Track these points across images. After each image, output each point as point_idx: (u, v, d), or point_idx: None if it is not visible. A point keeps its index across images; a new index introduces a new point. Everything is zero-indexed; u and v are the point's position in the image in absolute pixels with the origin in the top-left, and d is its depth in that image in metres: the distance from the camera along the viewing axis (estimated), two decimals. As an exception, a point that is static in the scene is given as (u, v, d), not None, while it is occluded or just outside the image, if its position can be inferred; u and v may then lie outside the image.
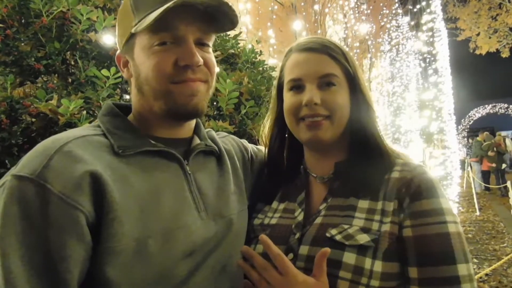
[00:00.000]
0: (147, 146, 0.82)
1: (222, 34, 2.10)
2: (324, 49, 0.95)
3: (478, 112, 19.23)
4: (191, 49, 0.82)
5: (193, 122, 0.97)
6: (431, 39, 9.38)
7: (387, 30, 9.14)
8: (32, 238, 0.65)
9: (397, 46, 9.78)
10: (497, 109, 18.89)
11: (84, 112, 1.32)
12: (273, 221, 1.00)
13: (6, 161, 1.21)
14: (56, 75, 1.50)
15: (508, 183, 7.66)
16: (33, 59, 1.43)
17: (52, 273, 0.65)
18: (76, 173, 0.69)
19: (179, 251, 0.79)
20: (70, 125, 1.28)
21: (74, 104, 1.25)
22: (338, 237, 0.85)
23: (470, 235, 6.50)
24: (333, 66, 0.94)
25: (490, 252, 5.57)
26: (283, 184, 1.07)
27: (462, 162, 12.39)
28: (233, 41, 2.13)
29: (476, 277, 4.26)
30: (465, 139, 18.83)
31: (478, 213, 8.26)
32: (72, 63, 1.55)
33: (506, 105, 18.55)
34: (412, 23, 10.20)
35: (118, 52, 0.92)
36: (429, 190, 0.86)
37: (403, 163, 0.93)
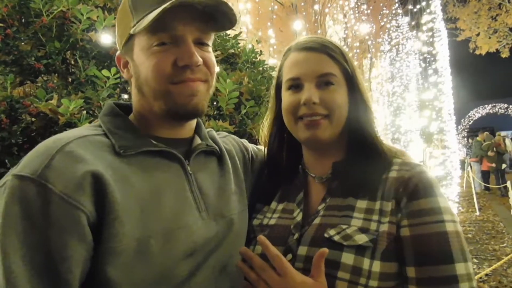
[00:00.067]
0: (149, 146, 0.82)
1: (222, 34, 2.10)
2: (322, 48, 0.95)
3: (478, 112, 19.23)
4: (190, 49, 0.82)
5: (194, 122, 0.97)
6: (431, 39, 9.38)
7: (387, 30, 9.14)
8: (33, 238, 0.65)
9: (397, 46, 9.79)
10: (497, 109, 18.90)
11: (84, 112, 1.32)
12: (272, 221, 0.99)
13: (6, 160, 1.21)
14: (56, 74, 1.50)
15: (508, 183, 7.67)
16: (33, 58, 1.43)
17: (53, 273, 0.65)
18: (77, 173, 0.69)
19: (180, 251, 0.79)
20: (70, 125, 1.28)
21: (74, 104, 1.25)
22: (336, 238, 0.85)
23: (470, 235, 6.51)
24: (332, 66, 0.94)
25: (490, 252, 5.57)
26: (282, 184, 1.06)
27: (462, 162, 12.39)
28: (233, 41, 2.13)
29: (476, 277, 4.27)
30: (465, 139, 18.83)
31: (478, 213, 8.26)
32: (72, 62, 1.55)
33: (506, 105, 18.55)
34: (412, 23, 10.21)
35: (118, 52, 0.92)
36: (426, 189, 0.85)
37: (401, 163, 0.93)
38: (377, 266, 0.81)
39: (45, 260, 0.65)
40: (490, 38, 16.20)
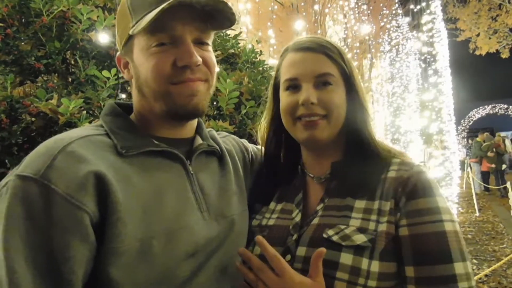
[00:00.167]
0: (151, 146, 0.82)
1: (222, 34, 2.10)
2: (320, 48, 0.95)
3: (478, 113, 19.22)
4: (189, 49, 0.81)
5: (194, 122, 0.97)
6: (431, 40, 9.38)
7: (387, 31, 9.14)
8: (36, 238, 0.65)
9: (397, 47, 9.79)
10: (496, 109, 18.89)
11: (84, 112, 1.32)
12: (271, 222, 1.00)
13: (6, 160, 1.21)
14: (56, 74, 1.51)
15: (508, 184, 7.67)
16: (33, 58, 1.43)
17: (56, 274, 0.65)
18: (80, 173, 0.69)
19: (182, 251, 0.79)
20: (70, 124, 1.28)
21: (74, 104, 1.25)
22: (335, 238, 0.85)
23: (469, 236, 6.51)
24: (330, 66, 0.94)
25: (489, 253, 5.57)
26: (281, 185, 1.07)
27: (462, 163, 12.39)
28: (233, 41, 2.13)
29: (475, 278, 4.27)
30: (465, 139, 18.82)
31: (477, 214, 8.25)
32: (72, 62, 1.55)
33: (506, 106, 18.55)
34: (412, 23, 10.21)
35: (118, 53, 0.92)
36: (425, 189, 0.85)
37: (400, 163, 0.93)
38: (375, 266, 0.81)
39: (48, 260, 0.65)
40: (490, 38, 16.20)
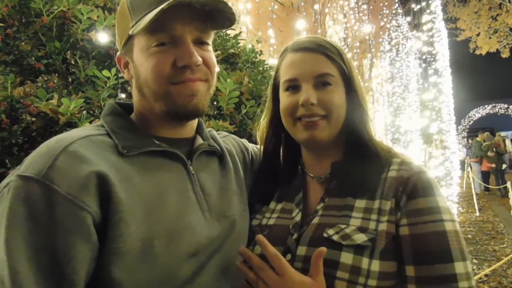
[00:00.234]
0: (152, 146, 0.82)
1: (222, 34, 2.10)
2: (319, 48, 0.95)
3: (478, 113, 19.19)
4: (189, 49, 0.81)
5: (195, 122, 0.97)
6: (431, 39, 9.37)
7: (387, 30, 9.14)
8: (39, 239, 0.65)
9: (397, 46, 9.78)
10: (497, 109, 18.86)
11: (84, 112, 1.33)
12: (271, 221, 1.00)
13: (6, 160, 1.21)
14: (57, 74, 1.51)
15: (508, 184, 7.66)
16: (33, 58, 1.43)
17: (59, 274, 0.65)
18: (82, 174, 0.69)
19: (184, 251, 0.79)
20: (70, 124, 1.28)
21: (75, 104, 1.25)
22: (335, 237, 0.85)
23: (469, 236, 6.50)
24: (329, 66, 0.94)
25: (489, 252, 5.57)
26: (280, 184, 1.07)
27: (462, 163, 12.38)
28: (233, 40, 2.13)
29: (475, 277, 4.27)
30: (465, 139, 18.81)
31: (478, 213, 8.25)
32: (73, 62, 1.55)
33: (506, 106, 18.51)
34: (412, 23, 10.20)
35: (118, 53, 0.92)
36: (425, 189, 0.86)
37: (400, 162, 0.93)
38: (376, 265, 0.81)
39: (50, 260, 0.65)
40: (490, 38, 16.19)
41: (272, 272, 0.80)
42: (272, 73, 1.07)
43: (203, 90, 0.86)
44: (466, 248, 0.84)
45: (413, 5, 9.39)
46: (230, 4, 0.82)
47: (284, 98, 0.98)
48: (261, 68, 2.18)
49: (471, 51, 17.23)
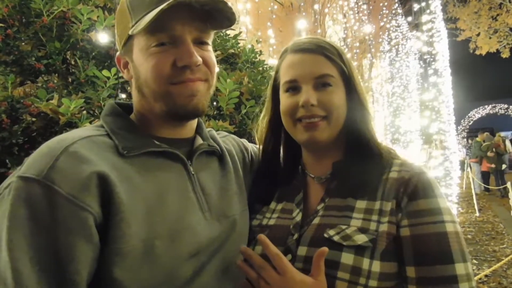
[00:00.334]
0: (152, 146, 0.82)
1: (222, 34, 2.10)
2: (319, 49, 0.95)
3: (478, 113, 19.20)
4: (189, 49, 0.81)
5: (194, 122, 0.97)
6: (431, 39, 9.38)
7: (386, 30, 9.14)
8: (41, 239, 0.65)
9: (396, 47, 9.78)
10: (497, 109, 18.86)
11: (85, 112, 1.33)
12: (271, 221, 1.00)
13: (7, 160, 1.21)
14: (57, 74, 1.51)
15: (508, 184, 7.66)
16: (33, 58, 1.43)
17: (61, 274, 0.65)
18: (83, 174, 0.69)
19: (185, 251, 0.79)
20: (70, 124, 1.28)
21: (75, 104, 1.25)
22: (336, 238, 0.85)
23: (469, 236, 6.50)
24: (329, 67, 0.94)
25: (489, 253, 5.57)
26: (280, 184, 1.07)
27: (462, 163, 12.38)
28: (233, 41, 2.13)
29: (475, 278, 4.26)
30: (465, 139, 18.81)
31: (477, 214, 8.25)
32: (73, 62, 1.55)
33: (506, 106, 18.52)
34: (412, 23, 10.21)
35: (118, 53, 0.92)
36: (426, 190, 0.86)
37: (401, 164, 0.93)
38: (376, 266, 0.81)
39: (53, 261, 0.65)
40: (490, 38, 16.20)
41: (274, 272, 0.80)
42: (272, 73, 1.07)
43: (203, 90, 0.86)
44: (466, 249, 0.84)
45: (414, 5, 9.39)
46: (229, 4, 0.83)
47: (284, 99, 0.98)
48: (261, 68, 2.18)
49: (471, 51, 17.25)
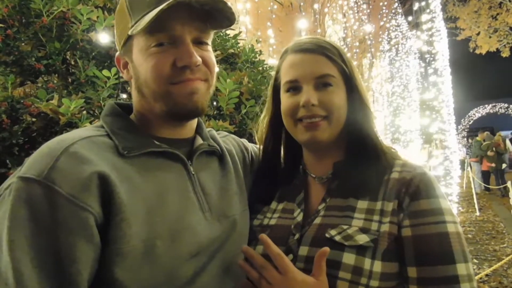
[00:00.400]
0: (152, 147, 0.82)
1: (222, 34, 2.10)
2: (319, 49, 0.95)
3: (478, 112, 19.18)
4: (189, 50, 0.81)
5: (194, 122, 0.97)
6: (430, 39, 9.37)
7: (386, 30, 9.14)
8: (41, 240, 0.65)
9: (396, 46, 9.78)
10: (497, 109, 18.85)
11: (85, 112, 1.33)
12: (272, 221, 1.00)
13: (7, 160, 1.21)
14: (57, 75, 1.51)
15: (509, 183, 7.66)
16: (33, 59, 1.43)
17: (62, 275, 0.65)
18: (83, 174, 0.69)
19: (185, 252, 0.79)
20: (70, 125, 1.28)
21: (75, 104, 1.26)
22: (337, 238, 0.85)
23: (470, 236, 6.50)
24: (330, 67, 0.95)
25: (490, 252, 5.57)
26: (281, 184, 1.07)
27: (462, 162, 12.38)
28: (233, 40, 2.13)
29: (476, 277, 4.26)
30: (465, 139, 18.80)
31: (478, 213, 8.25)
32: (73, 63, 1.55)
33: (506, 105, 18.50)
34: (412, 22, 10.20)
35: (117, 53, 0.92)
36: (428, 190, 0.86)
37: (402, 164, 0.93)
38: (378, 266, 0.81)
39: (54, 261, 0.65)
40: (490, 37, 16.19)
41: (275, 271, 0.80)
42: (273, 73, 1.07)
43: (203, 89, 0.86)
44: (467, 250, 0.84)
45: (416, 4, 9.38)
46: (229, 4, 0.82)
47: (285, 99, 0.98)
48: (260, 68, 2.18)
49: (471, 50, 17.24)
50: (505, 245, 5.90)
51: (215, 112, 1.77)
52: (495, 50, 16.47)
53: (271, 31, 5.31)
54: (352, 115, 0.96)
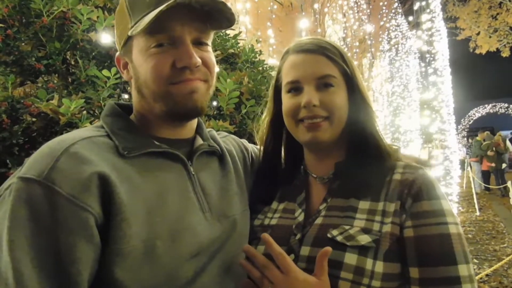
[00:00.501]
0: (152, 147, 0.82)
1: (222, 34, 2.10)
2: (320, 50, 0.95)
3: (478, 112, 19.19)
4: (189, 50, 0.81)
5: (194, 122, 0.97)
6: (430, 39, 9.37)
7: (386, 30, 9.14)
8: (42, 240, 0.65)
9: (396, 46, 9.78)
10: (497, 108, 18.85)
11: (85, 112, 1.33)
12: (273, 221, 1.00)
13: (7, 160, 1.21)
14: (57, 75, 1.51)
15: (509, 183, 7.66)
16: (33, 59, 1.43)
17: (63, 275, 0.65)
18: (84, 174, 0.69)
19: (186, 252, 0.79)
20: (71, 125, 1.28)
21: (75, 104, 1.25)
22: (339, 238, 0.85)
23: (470, 236, 6.50)
24: (331, 67, 0.95)
25: (490, 252, 5.57)
26: (282, 184, 1.07)
27: (462, 162, 12.38)
28: (233, 40, 2.13)
29: (476, 278, 4.26)
30: (465, 139, 18.80)
31: (478, 213, 8.25)
32: (73, 63, 1.55)
33: (506, 105, 18.51)
34: (412, 22, 10.20)
35: (117, 54, 0.92)
36: (430, 192, 0.86)
37: (404, 166, 0.93)
38: (380, 267, 0.81)
39: (54, 262, 0.65)
40: (490, 37, 16.18)
41: (277, 271, 0.80)
42: (273, 73, 1.07)
43: (203, 88, 0.86)
44: (468, 251, 0.84)
45: (415, 5, 9.38)
46: (229, 4, 0.82)
47: (286, 100, 0.98)
48: (260, 68, 2.18)
49: (471, 50, 17.24)
50: (505, 245, 5.90)
51: (215, 112, 1.77)
52: (495, 50, 16.47)
53: (271, 31, 5.31)
54: (353, 115, 0.96)
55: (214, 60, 0.89)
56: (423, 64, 10.46)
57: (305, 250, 0.88)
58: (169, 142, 0.87)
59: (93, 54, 1.52)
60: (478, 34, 16.43)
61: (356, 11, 7.69)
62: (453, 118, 11.15)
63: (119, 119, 0.86)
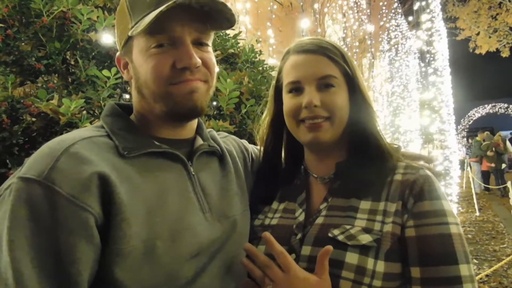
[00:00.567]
0: (152, 147, 0.82)
1: (222, 34, 2.10)
2: (321, 50, 0.95)
3: (478, 112, 19.20)
4: (189, 51, 0.81)
5: (194, 122, 0.96)
6: (430, 39, 9.37)
7: (386, 30, 9.14)
8: (42, 240, 0.64)
9: (396, 46, 9.79)
10: (496, 109, 18.87)
11: (85, 112, 1.33)
12: (274, 221, 1.00)
13: (7, 160, 1.21)
14: (57, 75, 1.51)
15: (508, 184, 7.66)
16: (33, 59, 1.43)
17: (63, 275, 0.65)
18: (84, 175, 0.69)
19: (186, 252, 0.79)
20: (71, 124, 1.28)
21: (75, 104, 1.25)
22: (340, 237, 0.85)
23: (469, 236, 6.50)
24: (332, 67, 0.95)
25: (490, 252, 5.57)
26: (282, 184, 1.07)
27: (462, 162, 12.38)
28: (233, 40, 2.13)
29: (476, 278, 4.26)
30: (465, 139, 18.81)
31: (478, 213, 8.25)
32: (73, 62, 1.55)
33: (506, 105, 18.52)
34: (412, 22, 10.21)
35: (117, 54, 0.92)
36: (431, 192, 0.86)
37: (405, 166, 0.94)
38: (381, 266, 0.82)
39: (54, 262, 0.65)
40: (490, 37, 16.19)
41: (278, 269, 0.80)
42: (274, 73, 1.07)
43: (202, 89, 0.86)
44: (468, 251, 0.84)
45: (415, 5, 9.38)
46: (229, 4, 0.82)
47: (287, 100, 0.98)
48: (260, 68, 2.18)
49: (471, 50, 17.24)
50: (505, 245, 5.90)
51: (215, 112, 1.77)
52: (495, 50, 16.47)
53: (271, 31, 5.31)
54: (354, 115, 0.96)
55: (214, 60, 0.89)
56: (423, 64, 10.47)
57: (306, 250, 0.88)
58: (169, 142, 0.87)
59: (93, 54, 1.52)
60: (478, 34, 16.44)
61: (356, 11, 7.69)
62: (453, 118, 11.14)
63: (119, 119, 0.86)
